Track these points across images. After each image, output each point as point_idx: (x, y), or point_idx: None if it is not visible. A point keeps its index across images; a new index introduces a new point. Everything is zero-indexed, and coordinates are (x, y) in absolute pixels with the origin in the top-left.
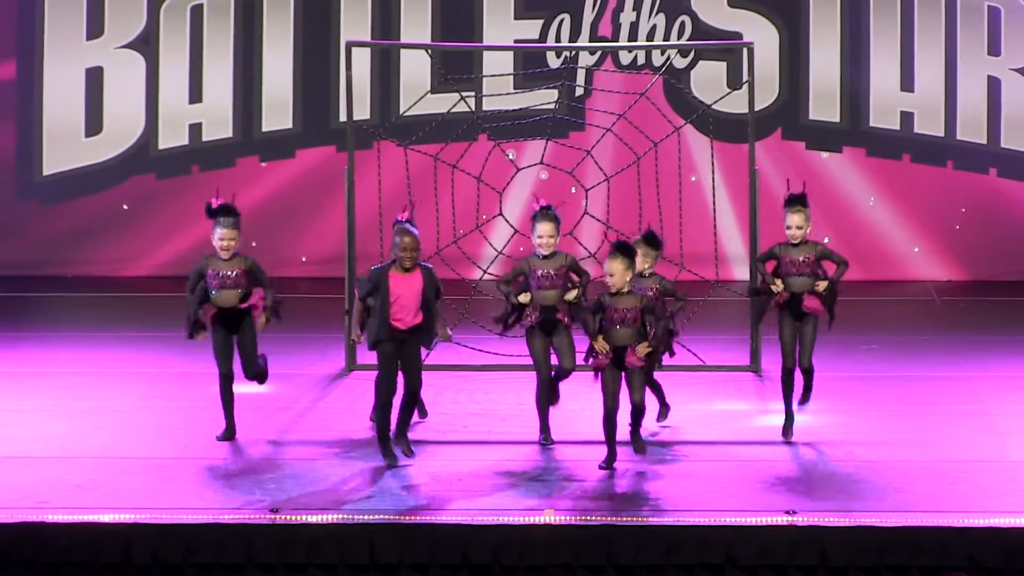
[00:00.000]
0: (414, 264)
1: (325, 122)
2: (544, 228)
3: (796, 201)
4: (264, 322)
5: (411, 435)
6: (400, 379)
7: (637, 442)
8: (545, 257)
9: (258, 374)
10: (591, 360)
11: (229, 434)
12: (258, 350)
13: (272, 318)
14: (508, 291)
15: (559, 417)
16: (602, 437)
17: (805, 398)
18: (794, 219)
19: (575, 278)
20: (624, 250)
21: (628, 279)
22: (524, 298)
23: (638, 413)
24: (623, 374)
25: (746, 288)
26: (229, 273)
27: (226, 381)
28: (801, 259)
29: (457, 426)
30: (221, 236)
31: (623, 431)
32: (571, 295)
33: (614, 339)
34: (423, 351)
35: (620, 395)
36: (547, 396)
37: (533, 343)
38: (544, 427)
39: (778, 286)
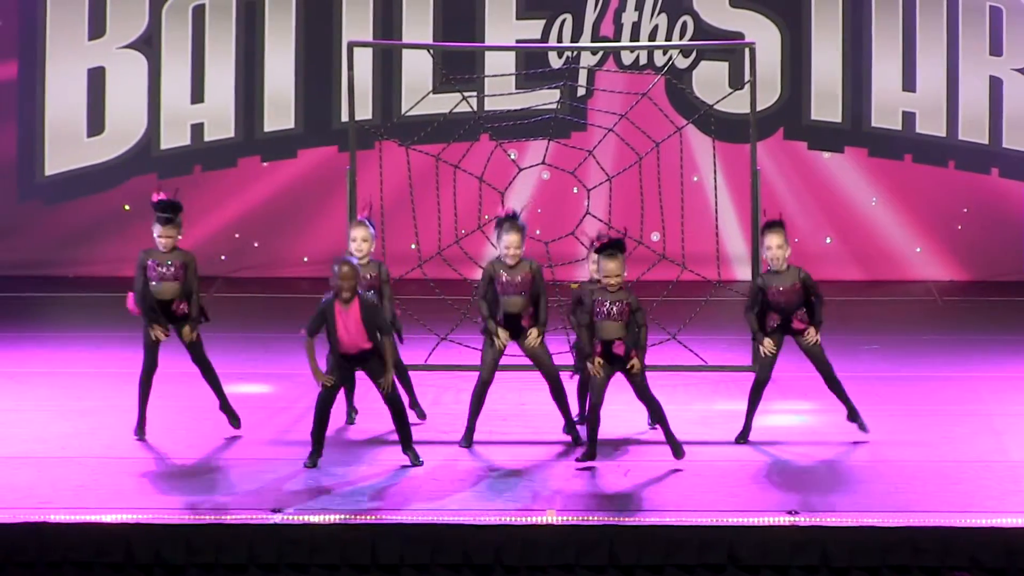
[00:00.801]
0: (352, 295)
1: (327, 122)
2: (510, 239)
3: (773, 224)
4: (189, 333)
5: (414, 435)
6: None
7: (673, 445)
8: (511, 266)
9: (204, 363)
10: (581, 371)
11: (141, 429)
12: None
13: (199, 322)
14: (486, 316)
15: (562, 417)
16: (608, 437)
17: (851, 411)
18: (773, 239)
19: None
20: (620, 247)
21: (624, 274)
22: (504, 336)
23: (656, 411)
24: (624, 378)
25: (748, 289)
26: (168, 265)
27: (148, 374)
28: (786, 287)
29: (459, 426)
30: (159, 234)
31: (610, 429)
32: (532, 339)
33: (601, 332)
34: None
35: (607, 390)
36: (479, 400)
37: (486, 351)
38: (471, 426)
39: (767, 348)
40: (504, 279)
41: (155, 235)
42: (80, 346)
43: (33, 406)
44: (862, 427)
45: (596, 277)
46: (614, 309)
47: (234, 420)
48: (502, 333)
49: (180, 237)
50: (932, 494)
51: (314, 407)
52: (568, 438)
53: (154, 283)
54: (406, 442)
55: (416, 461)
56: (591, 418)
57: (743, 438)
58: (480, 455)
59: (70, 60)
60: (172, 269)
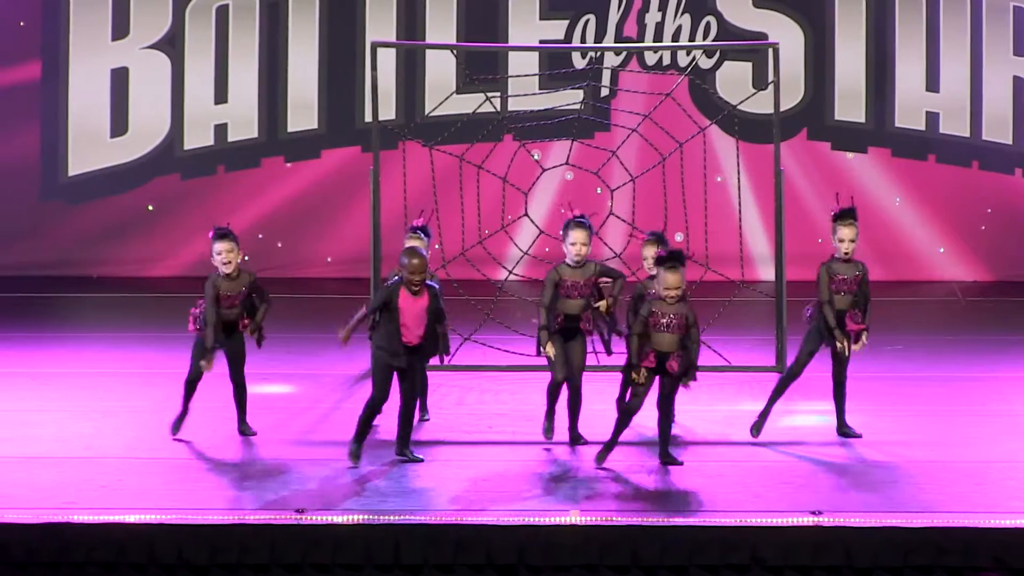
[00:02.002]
0: (421, 288)
1: (350, 122)
2: (578, 235)
3: (848, 215)
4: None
5: (432, 435)
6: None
7: (667, 456)
8: (575, 266)
9: (241, 382)
10: (631, 379)
11: (181, 420)
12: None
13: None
14: (543, 325)
15: (584, 417)
16: (627, 437)
17: (841, 415)
18: (847, 232)
19: (607, 281)
20: (681, 259)
21: (684, 286)
22: (551, 351)
23: (666, 422)
24: (657, 380)
25: (772, 288)
26: (236, 292)
27: (192, 383)
28: (849, 277)
29: (482, 427)
30: (219, 251)
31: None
32: (602, 305)
33: (657, 343)
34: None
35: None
36: (555, 396)
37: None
38: (550, 419)
39: (842, 345)
40: (568, 283)
41: (215, 253)
42: (103, 346)
43: (56, 406)
44: (755, 429)
45: (654, 289)
46: (673, 322)
47: (245, 428)
48: (550, 348)
49: (240, 258)
50: (956, 494)
51: (362, 412)
52: (566, 438)
53: (225, 310)
54: (404, 441)
55: (414, 458)
56: (621, 420)
57: (758, 429)
58: (501, 455)
59: (93, 60)
60: (239, 294)
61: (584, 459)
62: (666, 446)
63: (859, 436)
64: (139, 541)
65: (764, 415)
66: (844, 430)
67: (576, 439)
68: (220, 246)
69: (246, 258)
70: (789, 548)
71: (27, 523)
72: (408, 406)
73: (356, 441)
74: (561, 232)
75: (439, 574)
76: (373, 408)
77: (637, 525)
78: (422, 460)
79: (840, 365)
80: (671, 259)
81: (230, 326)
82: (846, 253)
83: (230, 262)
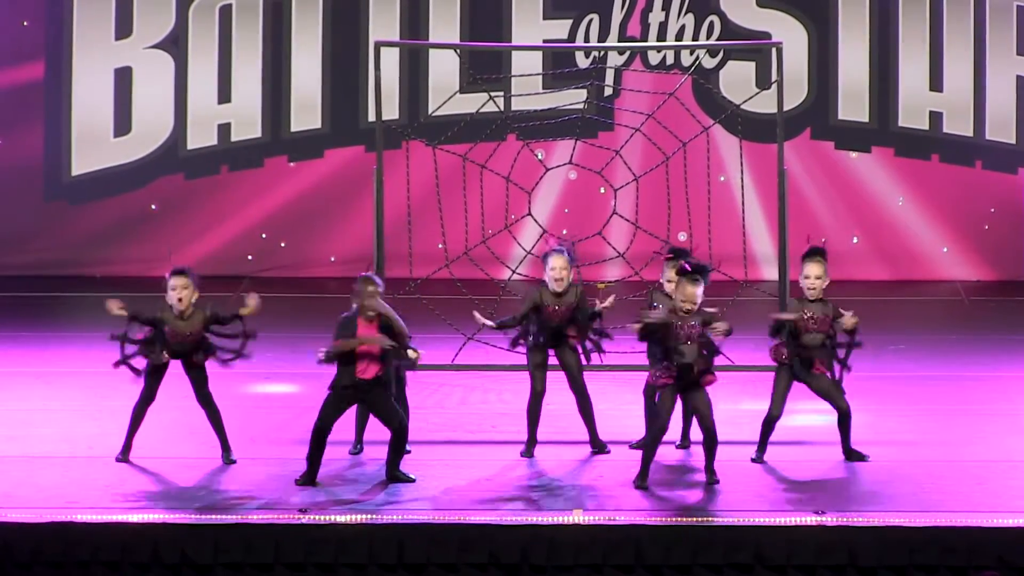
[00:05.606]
0: (376, 313)
1: (354, 122)
2: (556, 261)
3: (815, 252)
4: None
5: (435, 435)
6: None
7: (711, 473)
8: (557, 294)
9: (210, 402)
10: (656, 378)
11: (125, 454)
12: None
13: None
14: (508, 324)
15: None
16: (635, 439)
17: (846, 443)
18: (813, 269)
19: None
20: (702, 272)
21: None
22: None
23: (711, 440)
24: (689, 398)
25: (775, 288)
26: (186, 333)
27: (144, 404)
28: (819, 316)
29: (486, 426)
30: (173, 286)
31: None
32: (609, 301)
33: (682, 356)
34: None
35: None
36: (536, 409)
37: (533, 355)
38: (532, 439)
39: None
40: (549, 308)
41: (170, 288)
42: (107, 346)
43: (60, 406)
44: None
45: (666, 288)
46: (694, 332)
47: (227, 456)
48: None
49: (196, 296)
50: (959, 494)
51: (312, 431)
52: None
53: (173, 343)
54: (394, 465)
55: (407, 478)
56: (651, 448)
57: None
58: (507, 455)
59: (97, 60)
60: (191, 335)
61: (588, 459)
62: (711, 462)
63: (866, 458)
64: (143, 540)
65: (761, 451)
66: (850, 455)
67: (599, 446)
68: (175, 281)
69: (249, 257)
70: (793, 547)
71: (31, 522)
72: (396, 436)
73: (308, 474)
74: (542, 259)
75: (443, 573)
76: (319, 433)
77: (640, 524)
78: (414, 480)
79: (831, 395)
80: (692, 271)
81: (185, 355)
82: (811, 289)
83: (181, 299)
